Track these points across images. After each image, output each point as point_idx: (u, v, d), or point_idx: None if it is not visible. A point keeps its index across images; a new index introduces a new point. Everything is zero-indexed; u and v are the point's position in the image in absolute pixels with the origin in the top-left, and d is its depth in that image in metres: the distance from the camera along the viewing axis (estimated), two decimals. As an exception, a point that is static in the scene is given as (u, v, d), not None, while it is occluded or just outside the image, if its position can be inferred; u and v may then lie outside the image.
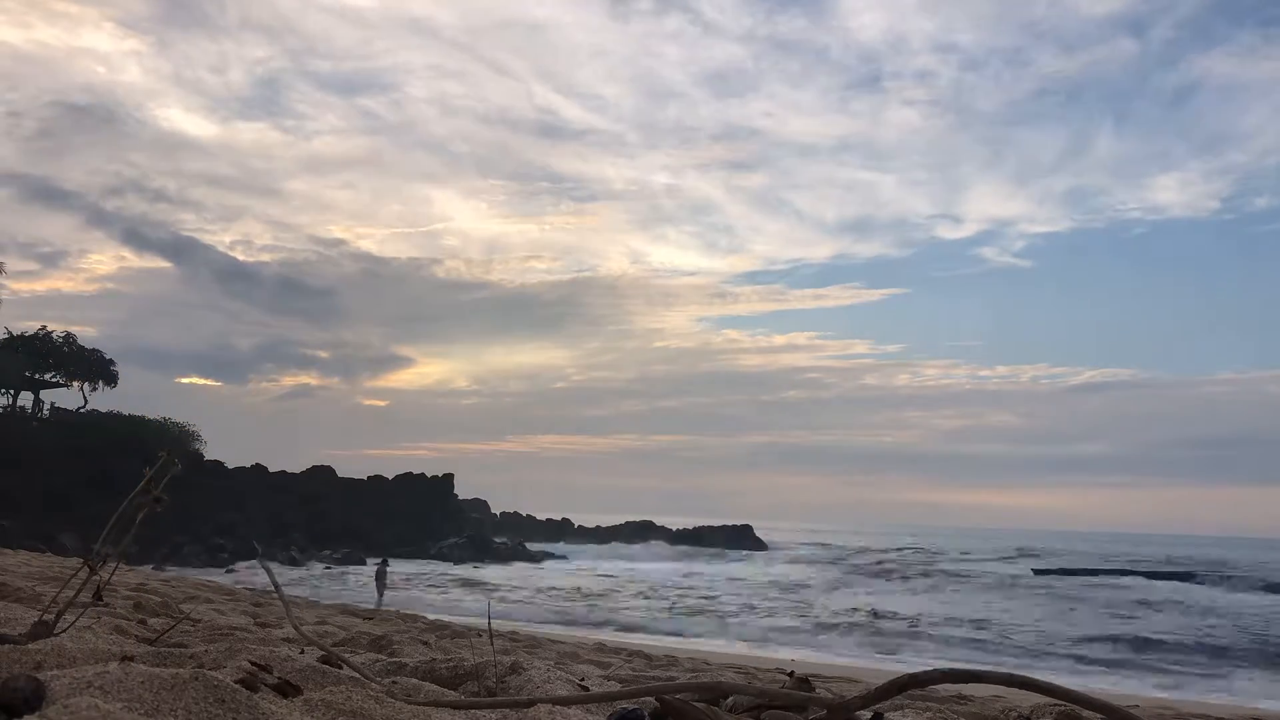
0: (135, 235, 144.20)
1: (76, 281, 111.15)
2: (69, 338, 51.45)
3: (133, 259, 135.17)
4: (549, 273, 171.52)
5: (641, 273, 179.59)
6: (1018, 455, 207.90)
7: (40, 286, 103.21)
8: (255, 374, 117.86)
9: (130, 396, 54.42)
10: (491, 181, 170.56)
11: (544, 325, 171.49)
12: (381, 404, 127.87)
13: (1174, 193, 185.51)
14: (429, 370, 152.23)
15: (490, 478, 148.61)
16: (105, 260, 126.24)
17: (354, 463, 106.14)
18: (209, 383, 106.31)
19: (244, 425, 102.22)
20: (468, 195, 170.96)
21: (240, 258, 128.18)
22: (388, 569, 26.71)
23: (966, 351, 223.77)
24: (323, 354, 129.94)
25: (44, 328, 51.18)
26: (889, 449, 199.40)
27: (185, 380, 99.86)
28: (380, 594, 24.60)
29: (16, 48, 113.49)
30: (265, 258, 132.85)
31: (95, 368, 51.63)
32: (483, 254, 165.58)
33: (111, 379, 52.15)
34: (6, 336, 49.48)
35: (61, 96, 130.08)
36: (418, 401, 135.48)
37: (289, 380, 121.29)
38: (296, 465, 53.86)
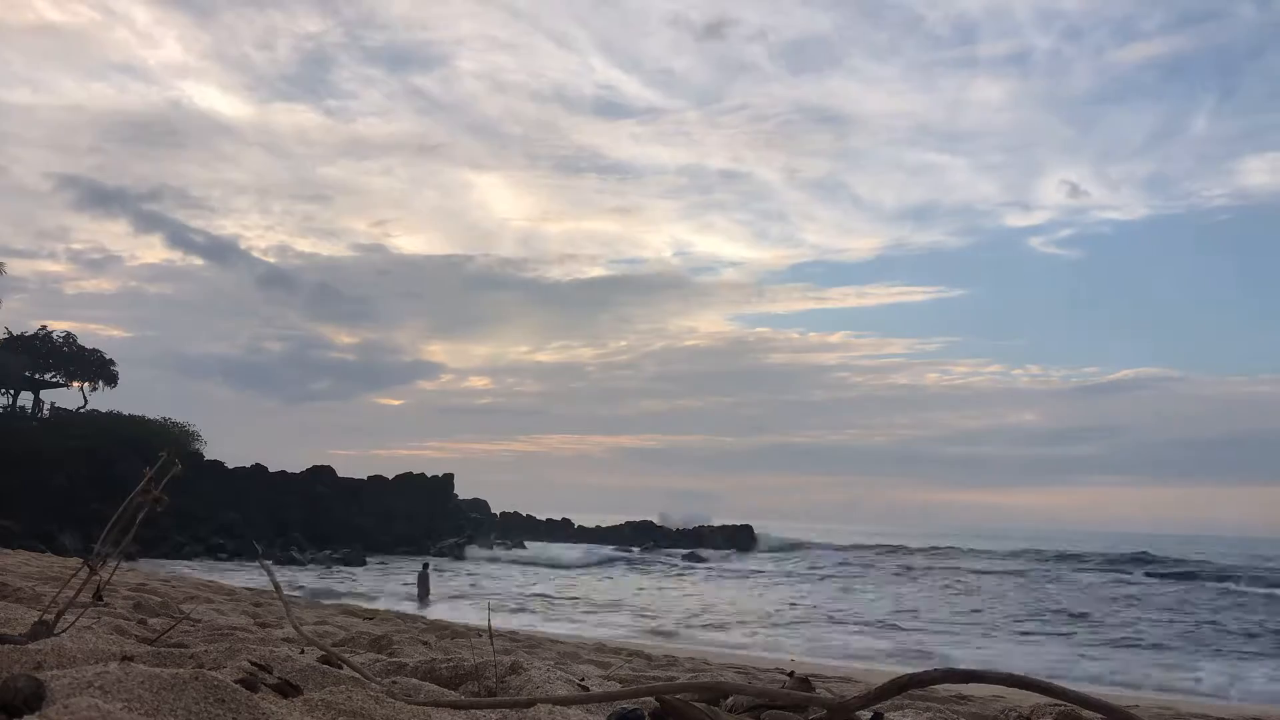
0: (165, 233, 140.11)
1: (100, 282, 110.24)
2: (69, 337, 51.51)
3: (163, 260, 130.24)
4: (585, 269, 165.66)
5: (682, 266, 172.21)
6: (1037, 456, 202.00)
7: (69, 289, 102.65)
8: (279, 378, 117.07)
9: (131, 396, 54.56)
10: (537, 169, 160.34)
11: (573, 324, 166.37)
12: (396, 403, 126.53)
13: (1266, 175, 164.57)
14: (451, 371, 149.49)
15: (494, 477, 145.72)
16: (135, 261, 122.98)
17: (361, 462, 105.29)
18: (231, 386, 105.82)
19: (257, 427, 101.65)
20: (511, 184, 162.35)
21: (274, 261, 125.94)
22: (430, 572, 26.49)
23: (1004, 350, 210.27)
24: (349, 357, 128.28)
25: (44, 327, 51.27)
26: (904, 449, 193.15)
27: (210, 384, 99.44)
28: (423, 598, 24.17)
29: (51, 22, 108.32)
30: (298, 262, 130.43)
31: (95, 368, 51.66)
32: (520, 250, 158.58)
33: (111, 379, 52.19)
34: (6, 336, 49.50)
35: (95, 78, 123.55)
36: (433, 401, 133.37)
37: (311, 384, 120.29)
38: (298, 465, 53.95)
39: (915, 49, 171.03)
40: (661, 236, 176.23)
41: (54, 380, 51.10)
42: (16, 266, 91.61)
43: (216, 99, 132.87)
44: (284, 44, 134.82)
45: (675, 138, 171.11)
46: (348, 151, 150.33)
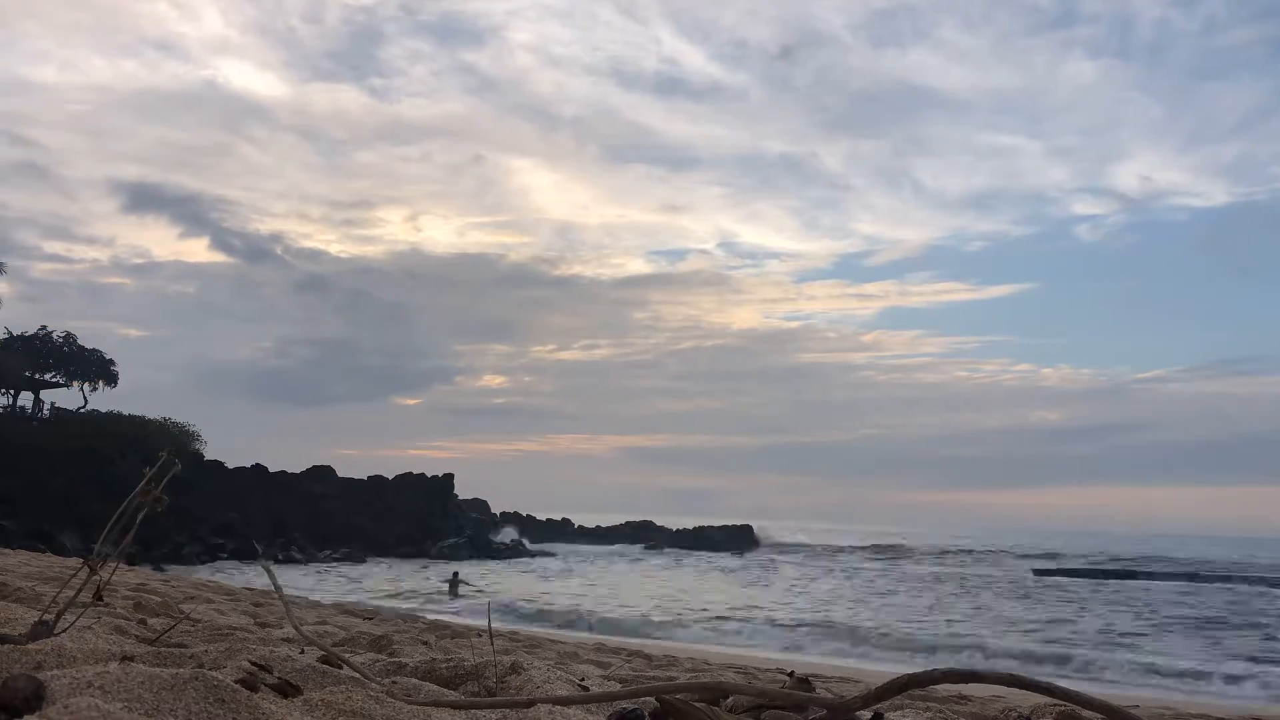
0: (192, 232, 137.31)
1: (123, 283, 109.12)
2: (69, 337, 51.48)
3: (192, 262, 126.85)
4: (622, 263, 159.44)
5: (723, 259, 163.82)
6: (1050, 456, 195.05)
7: (94, 290, 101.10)
8: (301, 381, 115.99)
9: (131, 396, 54.67)
10: (584, 155, 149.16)
11: (602, 323, 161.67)
12: (411, 403, 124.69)
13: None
14: (469, 371, 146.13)
15: (501, 477, 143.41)
16: (156, 263, 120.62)
17: (371, 463, 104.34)
18: (250, 390, 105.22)
19: (274, 430, 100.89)
20: (555, 171, 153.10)
21: (303, 264, 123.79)
22: (459, 578, 28.79)
23: (1039, 350, 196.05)
24: (370, 360, 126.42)
25: (44, 328, 51.23)
26: (915, 449, 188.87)
27: (229, 388, 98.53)
28: (455, 598, 26.47)
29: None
30: (330, 267, 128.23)
31: (95, 368, 51.64)
32: (556, 242, 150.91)
33: (112, 379, 52.17)
34: (6, 336, 49.49)
35: (129, 55, 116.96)
36: (448, 402, 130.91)
37: (332, 387, 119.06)
38: (297, 465, 53.99)
39: (1011, 18, 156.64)
40: (706, 227, 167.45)
41: (54, 380, 51.09)
42: (42, 269, 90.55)
43: (253, 78, 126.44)
44: (333, 16, 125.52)
45: (734, 118, 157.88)
46: (387, 135, 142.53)
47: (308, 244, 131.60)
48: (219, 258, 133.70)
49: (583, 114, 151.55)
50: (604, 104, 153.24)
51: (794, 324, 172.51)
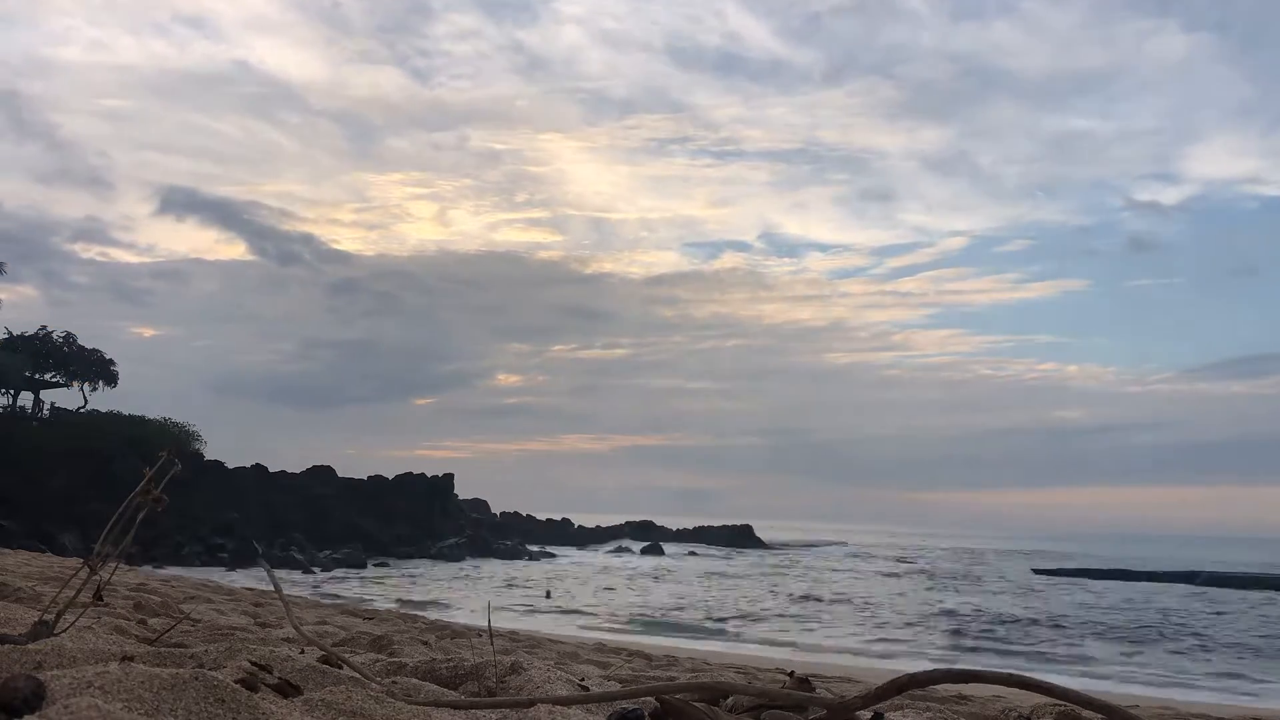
0: (211, 230, 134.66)
1: (137, 283, 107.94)
2: (69, 337, 51.49)
3: (214, 260, 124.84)
4: (655, 258, 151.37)
5: (761, 253, 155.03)
6: (1069, 455, 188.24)
7: (115, 290, 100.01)
8: (321, 385, 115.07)
9: (131, 396, 54.71)
10: (628, 142, 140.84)
11: (628, 322, 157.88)
12: (424, 403, 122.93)
13: None
14: (484, 371, 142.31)
15: (503, 477, 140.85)
16: (167, 261, 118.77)
17: (374, 464, 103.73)
18: (261, 393, 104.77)
19: (283, 432, 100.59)
20: (594, 159, 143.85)
21: (333, 267, 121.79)
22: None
23: (1071, 348, 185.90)
24: (392, 362, 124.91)
25: (44, 328, 51.24)
26: (929, 449, 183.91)
27: (256, 394, 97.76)
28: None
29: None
30: (359, 269, 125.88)
31: (95, 368, 51.65)
32: (590, 235, 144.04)
33: (112, 379, 52.19)
34: (6, 336, 49.51)
35: (160, 34, 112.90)
36: (460, 402, 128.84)
37: (351, 389, 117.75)
38: (298, 465, 53.93)
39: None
40: (748, 218, 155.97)
41: (54, 380, 51.10)
42: (75, 271, 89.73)
43: (289, 58, 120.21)
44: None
45: (792, 100, 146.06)
46: (423, 121, 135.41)
47: (337, 246, 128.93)
48: (251, 258, 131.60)
49: (632, 96, 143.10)
50: (655, 85, 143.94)
51: (824, 322, 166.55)
